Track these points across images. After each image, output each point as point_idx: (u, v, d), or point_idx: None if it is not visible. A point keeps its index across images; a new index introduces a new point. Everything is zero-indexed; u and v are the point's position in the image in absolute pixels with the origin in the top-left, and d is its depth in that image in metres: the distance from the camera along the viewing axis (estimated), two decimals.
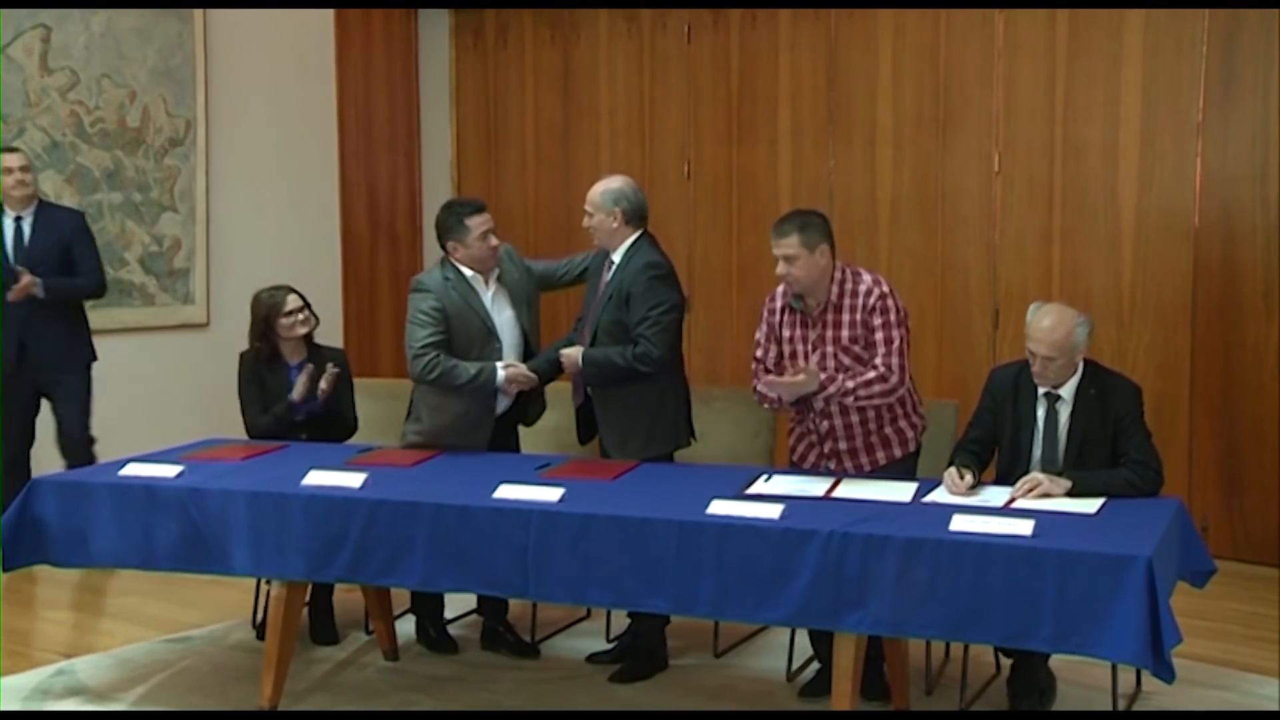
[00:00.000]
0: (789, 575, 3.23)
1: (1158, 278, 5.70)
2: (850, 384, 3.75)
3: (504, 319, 4.35)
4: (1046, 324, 3.65)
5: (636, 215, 4.23)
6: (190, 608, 5.02)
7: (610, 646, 4.44)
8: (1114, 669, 3.75)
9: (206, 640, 4.66)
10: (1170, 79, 5.64)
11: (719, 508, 3.39)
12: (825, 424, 3.89)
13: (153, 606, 5.07)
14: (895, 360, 3.79)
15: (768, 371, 3.93)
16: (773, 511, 3.35)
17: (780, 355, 3.94)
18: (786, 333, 3.93)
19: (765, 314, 3.99)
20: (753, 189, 6.73)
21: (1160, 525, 3.25)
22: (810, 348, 3.86)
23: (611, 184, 4.26)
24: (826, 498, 3.55)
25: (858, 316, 3.81)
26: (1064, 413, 3.71)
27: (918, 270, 6.27)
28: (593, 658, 4.39)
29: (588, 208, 4.25)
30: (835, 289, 3.83)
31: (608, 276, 4.24)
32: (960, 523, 3.20)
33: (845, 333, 3.82)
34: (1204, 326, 5.62)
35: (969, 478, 3.61)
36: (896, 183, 6.29)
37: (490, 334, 4.29)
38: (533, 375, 4.25)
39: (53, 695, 4.12)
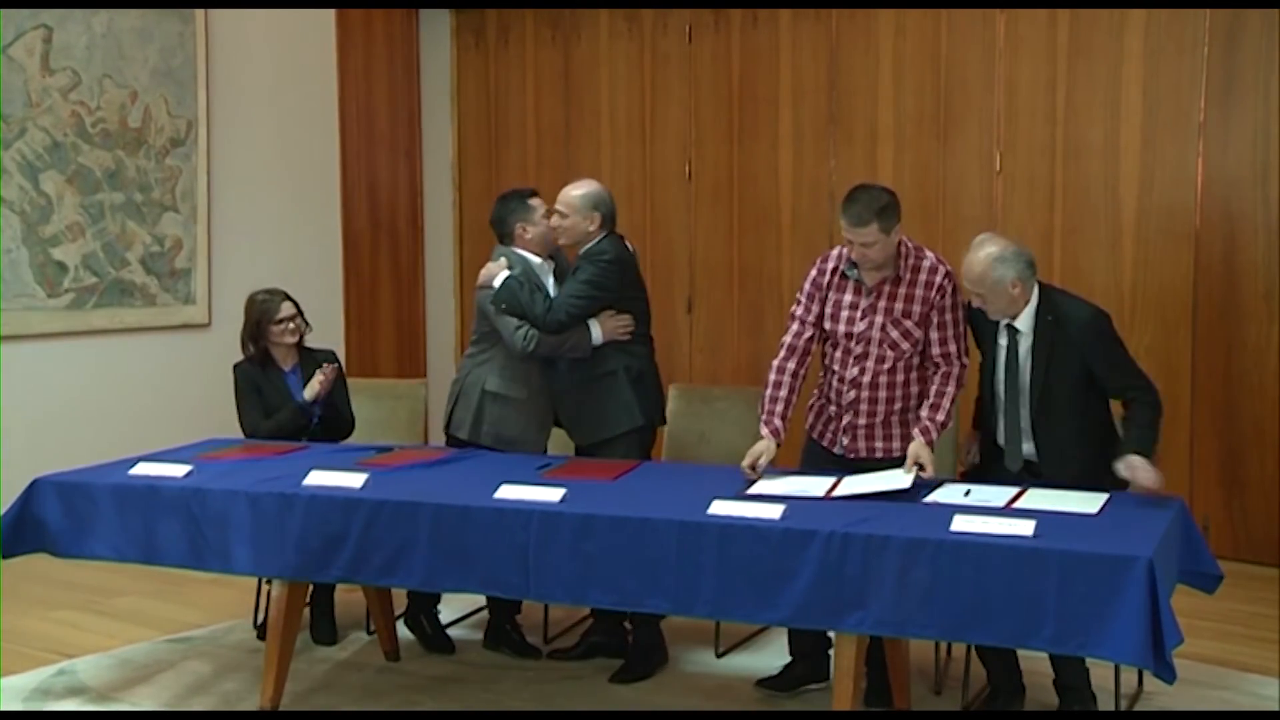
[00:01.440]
0: (790, 575, 3.22)
1: (1159, 278, 5.70)
2: (942, 415, 3.79)
3: None
4: (970, 256, 3.70)
5: (612, 220, 4.32)
6: (191, 608, 5.02)
7: (575, 643, 4.45)
8: (1116, 669, 3.75)
9: (207, 640, 4.66)
10: (1171, 79, 5.64)
11: (720, 508, 3.39)
12: (852, 394, 3.89)
13: (153, 607, 5.08)
14: (966, 357, 3.86)
15: (802, 324, 3.94)
16: (773, 512, 3.34)
17: (821, 316, 3.93)
18: (834, 295, 3.91)
19: (814, 272, 3.96)
20: (754, 189, 6.73)
21: (1161, 525, 3.25)
22: (859, 314, 3.86)
23: (590, 188, 4.30)
24: (827, 498, 3.54)
25: (917, 292, 3.82)
26: (1024, 344, 3.73)
27: None
28: (555, 654, 4.40)
29: (561, 208, 4.27)
30: (901, 263, 3.84)
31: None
32: (961, 523, 3.20)
33: (900, 305, 3.83)
34: (1205, 327, 5.62)
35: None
36: (898, 183, 6.25)
37: None
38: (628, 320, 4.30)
39: (53, 695, 4.12)
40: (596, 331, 4.24)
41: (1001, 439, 3.78)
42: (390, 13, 7.61)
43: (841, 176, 6.44)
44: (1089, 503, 3.41)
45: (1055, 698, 3.78)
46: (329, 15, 7.26)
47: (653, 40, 7.00)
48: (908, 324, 3.83)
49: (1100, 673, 3.76)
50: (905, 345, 3.84)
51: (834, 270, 3.93)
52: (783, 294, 6.56)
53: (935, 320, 3.83)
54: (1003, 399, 3.75)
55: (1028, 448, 3.76)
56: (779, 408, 3.89)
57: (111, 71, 6.29)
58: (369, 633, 4.62)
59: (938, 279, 3.83)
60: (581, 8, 7.17)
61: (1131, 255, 5.75)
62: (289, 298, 4.66)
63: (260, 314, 4.61)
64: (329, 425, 4.63)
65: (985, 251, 3.68)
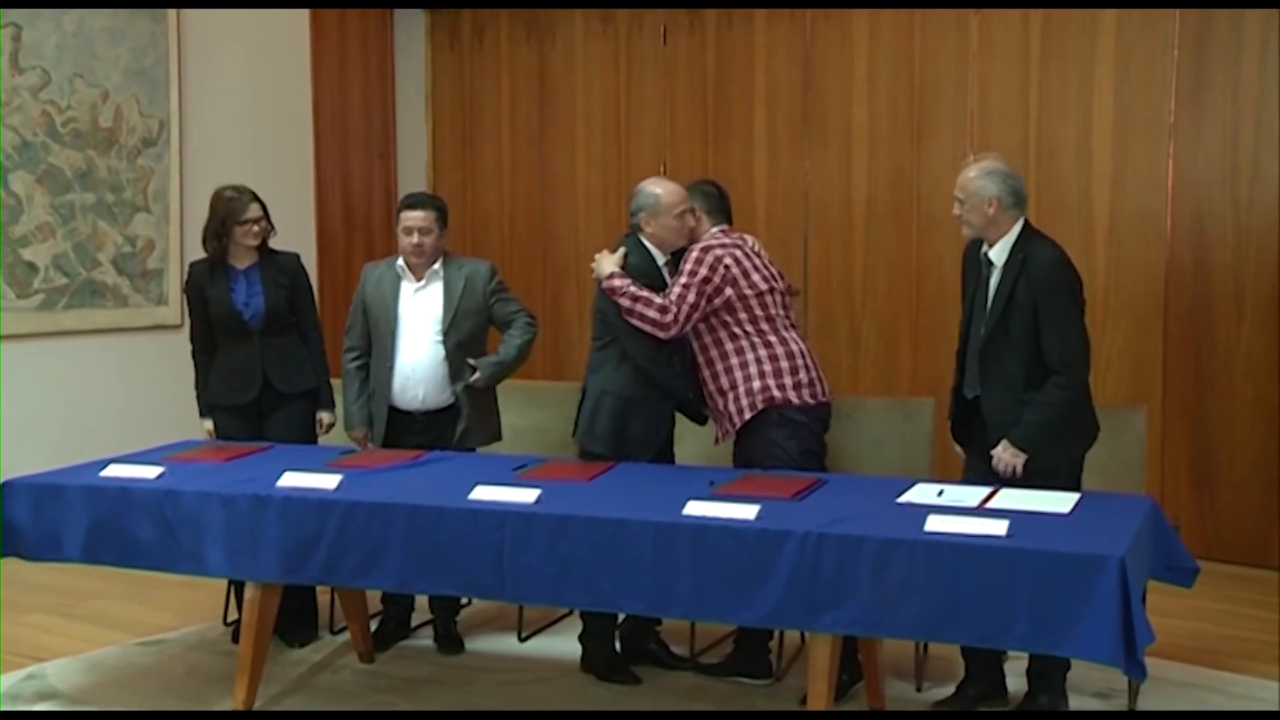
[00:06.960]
0: (765, 576, 3.23)
1: (1130, 279, 5.73)
2: (632, 289, 4.02)
3: (423, 317, 4.41)
4: (968, 165, 3.85)
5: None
6: (163, 610, 4.99)
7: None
8: (1067, 663, 3.77)
9: (179, 643, 4.63)
10: (1142, 81, 5.68)
11: (695, 508, 3.39)
12: None
13: (125, 609, 5.04)
14: (675, 303, 4.01)
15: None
16: (748, 512, 3.35)
17: None
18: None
19: None
20: (729, 190, 6.71)
21: (1133, 524, 3.27)
22: None
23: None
24: (799, 498, 3.55)
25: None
26: (994, 276, 3.78)
27: (893, 271, 6.28)
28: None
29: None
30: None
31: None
32: (935, 523, 3.21)
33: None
34: (1176, 327, 5.66)
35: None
36: (872, 184, 6.30)
37: (392, 328, 4.42)
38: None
39: (23, 699, 4.08)
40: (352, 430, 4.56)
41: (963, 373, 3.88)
42: (364, 12, 7.58)
43: (816, 178, 6.46)
44: (1061, 502, 3.43)
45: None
46: (303, 14, 7.22)
47: (628, 41, 6.99)
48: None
49: (1084, 673, 3.79)
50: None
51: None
52: None
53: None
54: (964, 328, 3.86)
55: (973, 381, 3.81)
56: None
57: (82, 71, 6.24)
58: (333, 632, 4.60)
59: (691, 252, 4.12)
60: (556, 8, 7.16)
61: (1103, 256, 5.79)
62: (257, 198, 4.52)
63: (226, 211, 4.47)
64: (277, 329, 4.53)
65: (982, 165, 3.81)
